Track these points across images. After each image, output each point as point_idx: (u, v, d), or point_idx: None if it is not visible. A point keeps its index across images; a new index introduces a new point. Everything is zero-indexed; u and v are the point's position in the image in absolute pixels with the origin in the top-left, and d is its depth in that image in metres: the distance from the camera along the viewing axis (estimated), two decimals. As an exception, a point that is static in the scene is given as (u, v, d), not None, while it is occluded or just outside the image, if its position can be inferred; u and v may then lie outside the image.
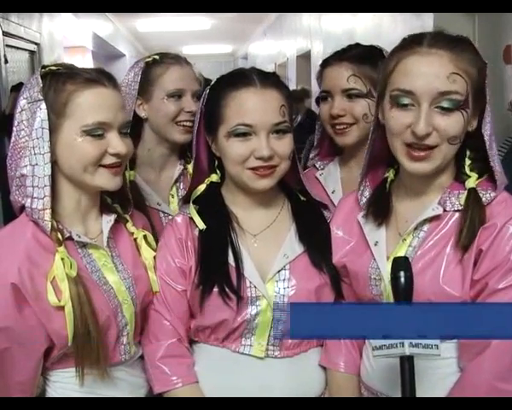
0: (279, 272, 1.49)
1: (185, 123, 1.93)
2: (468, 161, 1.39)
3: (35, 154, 1.34)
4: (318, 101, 1.90)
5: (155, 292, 1.52)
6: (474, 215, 1.31)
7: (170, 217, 1.89)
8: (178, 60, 1.98)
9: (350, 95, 1.76)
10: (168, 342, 1.51)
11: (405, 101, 1.30)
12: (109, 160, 1.38)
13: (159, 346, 1.50)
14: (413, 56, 1.31)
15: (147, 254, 1.53)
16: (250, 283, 1.47)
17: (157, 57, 1.97)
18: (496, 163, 1.34)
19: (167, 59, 1.97)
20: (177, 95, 1.92)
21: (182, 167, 2.02)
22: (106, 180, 1.40)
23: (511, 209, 1.32)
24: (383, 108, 1.37)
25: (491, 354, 1.26)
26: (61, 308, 1.33)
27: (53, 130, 1.35)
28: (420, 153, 1.31)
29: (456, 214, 1.35)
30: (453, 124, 1.29)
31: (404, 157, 1.34)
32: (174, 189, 2.01)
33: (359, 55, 1.72)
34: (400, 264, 1.23)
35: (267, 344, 1.49)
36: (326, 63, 1.85)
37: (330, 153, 1.98)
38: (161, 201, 1.96)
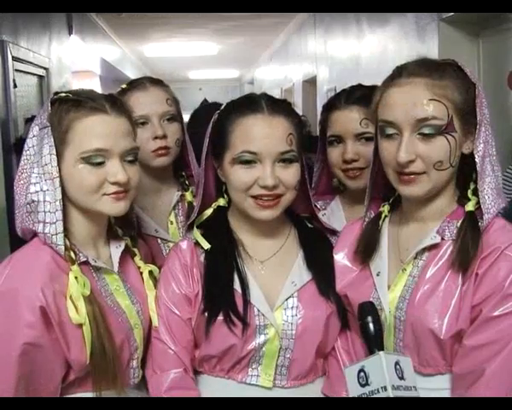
0: (287, 300, 1.47)
1: (157, 151, 1.88)
2: (472, 185, 1.37)
3: (45, 180, 1.35)
4: (322, 130, 1.88)
5: (154, 325, 1.49)
6: (466, 240, 1.29)
7: (169, 243, 1.88)
8: (142, 84, 1.92)
9: (363, 139, 1.76)
10: (174, 373, 1.46)
11: (390, 131, 1.33)
12: (110, 189, 1.38)
13: (164, 376, 1.46)
14: (393, 88, 1.34)
15: (149, 290, 1.52)
16: (258, 311, 1.44)
17: (125, 86, 1.94)
18: (486, 186, 1.31)
19: (131, 86, 1.93)
20: (140, 122, 1.86)
21: (180, 194, 1.99)
22: (109, 207, 1.40)
23: (510, 235, 1.28)
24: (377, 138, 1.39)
25: (487, 383, 1.23)
26: (79, 328, 1.32)
27: (58, 156, 1.36)
28: (409, 177, 1.31)
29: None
30: (436, 149, 1.29)
31: (397, 183, 1.35)
32: (172, 215, 1.98)
33: (368, 98, 1.65)
34: (366, 309, 1.24)
35: (275, 374, 1.46)
36: (332, 107, 1.83)
37: (328, 191, 1.98)
38: (159, 227, 1.93)
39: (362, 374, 1.18)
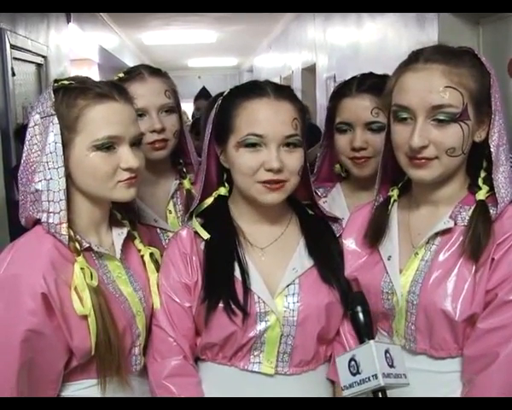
0: (288, 286, 1.47)
1: (154, 144, 1.86)
2: (483, 173, 1.38)
3: (49, 168, 1.35)
4: (329, 117, 1.87)
5: (156, 308, 1.50)
6: (477, 229, 1.30)
7: (168, 233, 1.88)
8: (140, 75, 1.88)
9: (372, 127, 1.75)
10: (174, 360, 1.47)
11: (404, 115, 1.33)
12: (124, 175, 1.39)
13: (164, 364, 1.47)
14: (409, 73, 1.34)
15: (151, 272, 1.53)
16: (258, 298, 1.45)
17: (122, 75, 1.90)
18: (500, 176, 1.33)
19: (129, 76, 1.88)
20: (138, 115, 1.78)
21: (178, 182, 1.98)
22: (122, 193, 1.41)
23: None
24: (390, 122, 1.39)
25: (500, 367, 1.24)
26: (83, 318, 1.33)
27: (65, 145, 1.36)
28: (420, 161, 1.32)
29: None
30: (450, 136, 1.30)
31: (408, 166, 1.36)
32: (171, 204, 1.97)
33: (379, 86, 1.62)
34: (355, 299, 1.26)
35: (276, 361, 1.46)
36: (342, 94, 1.81)
37: (329, 177, 1.97)
38: (158, 217, 1.93)
39: (353, 363, 1.20)
